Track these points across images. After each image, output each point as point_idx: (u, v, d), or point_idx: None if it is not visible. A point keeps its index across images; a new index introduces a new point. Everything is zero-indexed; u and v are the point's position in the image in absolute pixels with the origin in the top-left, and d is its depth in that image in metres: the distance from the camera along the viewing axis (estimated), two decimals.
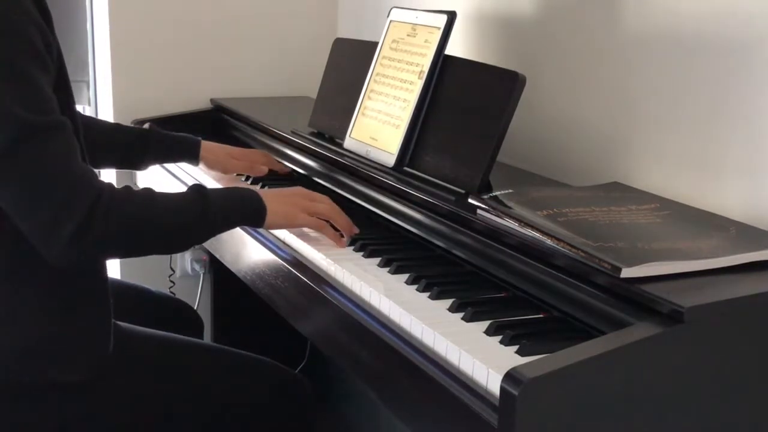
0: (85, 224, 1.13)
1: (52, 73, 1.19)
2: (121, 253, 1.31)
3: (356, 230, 1.42)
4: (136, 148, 1.71)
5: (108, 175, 2.29)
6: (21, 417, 1.25)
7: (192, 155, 1.75)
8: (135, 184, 2.14)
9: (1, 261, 1.22)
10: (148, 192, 1.24)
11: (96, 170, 2.26)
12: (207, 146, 1.76)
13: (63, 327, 1.26)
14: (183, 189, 1.39)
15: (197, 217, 1.25)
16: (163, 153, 1.75)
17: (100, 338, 1.29)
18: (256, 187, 1.73)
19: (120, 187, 1.21)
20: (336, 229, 1.40)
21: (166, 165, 1.91)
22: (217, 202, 1.28)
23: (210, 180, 1.77)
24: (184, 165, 1.87)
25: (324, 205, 1.40)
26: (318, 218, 1.39)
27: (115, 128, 1.75)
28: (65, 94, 1.24)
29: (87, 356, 1.28)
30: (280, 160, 1.83)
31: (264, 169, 1.76)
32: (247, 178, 1.78)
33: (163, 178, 1.92)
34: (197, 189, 1.29)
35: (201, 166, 1.76)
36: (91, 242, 1.14)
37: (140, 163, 1.74)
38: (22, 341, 1.24)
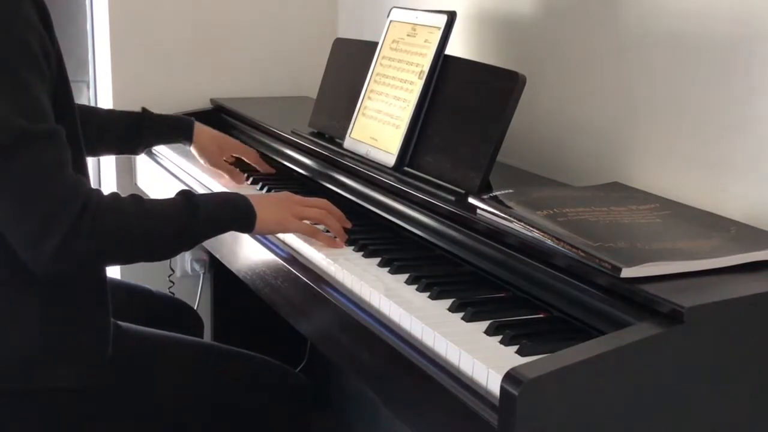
0: (70, 234, 1.12)
1: (50, 81, 1.18)
2: (109, 262, 1.30)
3: (348, 225, 1.42)
4: (130, 131, 1.73)
5: (108, 174, 2.30)
6: (21, 419, 1.25)
7: (186, 136, 1.78)
8: (135, 183, 2.14)
9: (0, 264, 1.22)
10: (136, 199, 1.22)
11: (97, 170, 2.31)
12: (201, 131, 1.79)
13: (62, 328, 1.26)
14: (182, 187, 1.39)
15: (185, 225, 1.24)
16: (157, 133, 1.77)
17: (100, 339, 1.29)
18: (255, 188, 1.73)
19: (108, 193, 1.21)
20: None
21: (164, 163, 1.91)
22: (205, 209, 1.27)
23: (206, 176, 1.78)
24: (181, 162, 1.88)
25: (314, 209, 1.39)
26: (309, 223, 1.38)
27: (108, 114, 1.77)
28: (66, 97, 1.24)
29: (87, 357, 1.28)
30: (279, 159, 1.83)
31: (242, 179, 1.76)
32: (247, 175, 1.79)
33: (162, 177, 1.92)
34: (186, 195, 1.28)
35: (193, 147, 1.79)
36: (76, 252, 1.14)
37: (136, 146, 1.77)
38: (21, 343, 1.24)
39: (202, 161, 1.80)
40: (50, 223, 1.12)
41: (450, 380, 0.98)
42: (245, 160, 1.82)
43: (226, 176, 1.76)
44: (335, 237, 1.38)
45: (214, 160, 1.78)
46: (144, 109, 1.78)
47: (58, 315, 1.25)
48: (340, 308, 1.19)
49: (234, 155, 1.82)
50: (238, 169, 1.78)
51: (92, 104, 2.37)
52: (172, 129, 1.78)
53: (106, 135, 1.71)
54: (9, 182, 1.12)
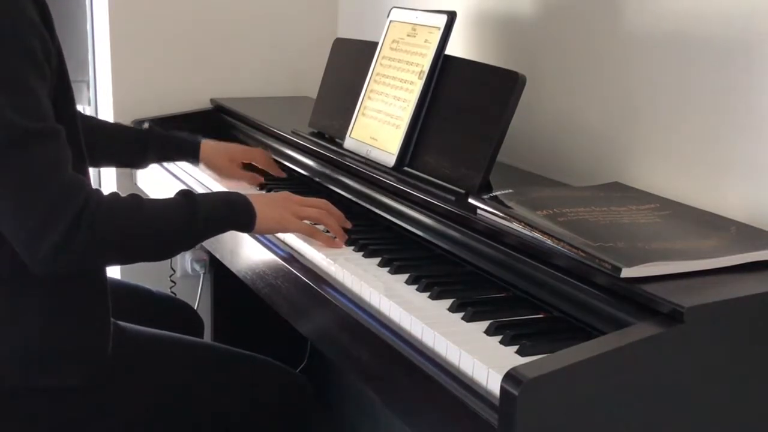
0: (70, 234, 1.12)
1: (50, 81, 1.18)
2: (109, 262, 1.30)
3: (349, 225, 1.42)
4: (135, 147, 1.72)
5: (108, 174, 2.30)
6: (20, 420, 1.25)
7: (192, 156, 1.76)
8: (135, 184, 2.14)
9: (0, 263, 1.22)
10: (135, 199, 1.22)
11: (97, 169, 2.31)
12: (207, 148, 1.75)
13: (62, 328, 1.26)
14: (182, 187, 1.39)
15: (185, 224, 1.24)
16: (163, 153, 1.75)
17: (100, 338, 1.29)
18: (256, 188, 1.73)
19: (108, 193, 1.21)
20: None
21: (164, 163, 1.91)
22: (205, 208, 1.26)
23: (206, 176, 1.78)
24: (181, 163, 1.87)
25: (313, 209, 1.39)
26: (309, 223, 1.38)
27: (115, 128, 1.76)
28: (66, 98, 1.24)
29: (86, 356, 1.28)
30: (280, 159, 1.83)
31: (260, 179, 1.76)
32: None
33: (162, 178, 1.92)
34: (185, 194, 1.28)
35: (202, 165, 1.76)
36: (75, 252, 1.14)
37: (140, 163, 1.75)
38: (22, 343, 1.24)
39: (215, 176, 1.76)
40: (50, 222, 1.12)
41: (450, 380, 0.98)
42: (257, 165, 1.79)
43: (246, 183, 1.74)
44: (335, 237, 1.38)
45: (227, 172, 1.75)
46: (151, 126, 1.78)
47: (57, 314, 1.25)
48: (340, 308, 1.19)
49: (245, 162, 1.78)
50: (254, 173, 1.76)
51: (92, 104, 2.37)
52: (178, 149, 1.76)
53: (111, 149, 1.70)
54: (9, 181, 1.12)
